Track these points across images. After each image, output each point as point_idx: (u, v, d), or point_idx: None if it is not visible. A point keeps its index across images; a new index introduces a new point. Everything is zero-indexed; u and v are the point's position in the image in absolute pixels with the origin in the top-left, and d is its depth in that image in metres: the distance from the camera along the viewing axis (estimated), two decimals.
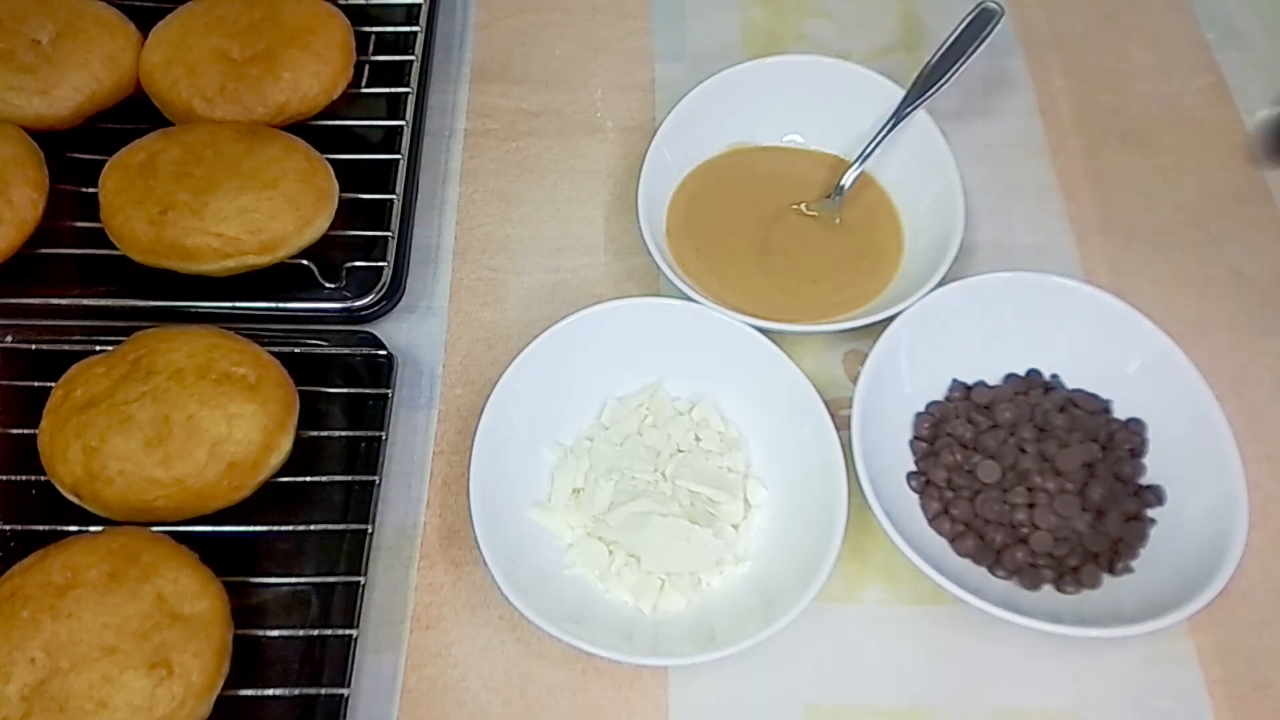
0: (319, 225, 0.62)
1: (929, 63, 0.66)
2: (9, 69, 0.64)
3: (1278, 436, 0.60)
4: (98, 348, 0.58)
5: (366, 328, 0.62)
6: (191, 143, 0.61)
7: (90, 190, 0.62)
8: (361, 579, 0.54)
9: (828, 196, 0.66)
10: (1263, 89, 0.73)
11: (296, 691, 0.51)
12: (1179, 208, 0.69)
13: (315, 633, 0.53)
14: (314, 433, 0.58)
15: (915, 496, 0.56)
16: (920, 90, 0.65)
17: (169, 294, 0.62)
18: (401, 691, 0.53)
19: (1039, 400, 0.58)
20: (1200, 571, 0.50)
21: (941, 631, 0.54)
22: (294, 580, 0.54)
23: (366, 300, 0.62)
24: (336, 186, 0.63)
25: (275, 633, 0.53)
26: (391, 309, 0.64)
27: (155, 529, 0.52)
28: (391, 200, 0.65)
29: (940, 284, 0.58)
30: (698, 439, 0.58)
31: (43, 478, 0.54)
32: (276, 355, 0.57)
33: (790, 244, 0.65)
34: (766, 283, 0.63)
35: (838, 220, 0.66)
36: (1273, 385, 0.62)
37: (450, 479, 0.59)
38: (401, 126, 0.68)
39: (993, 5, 0.66)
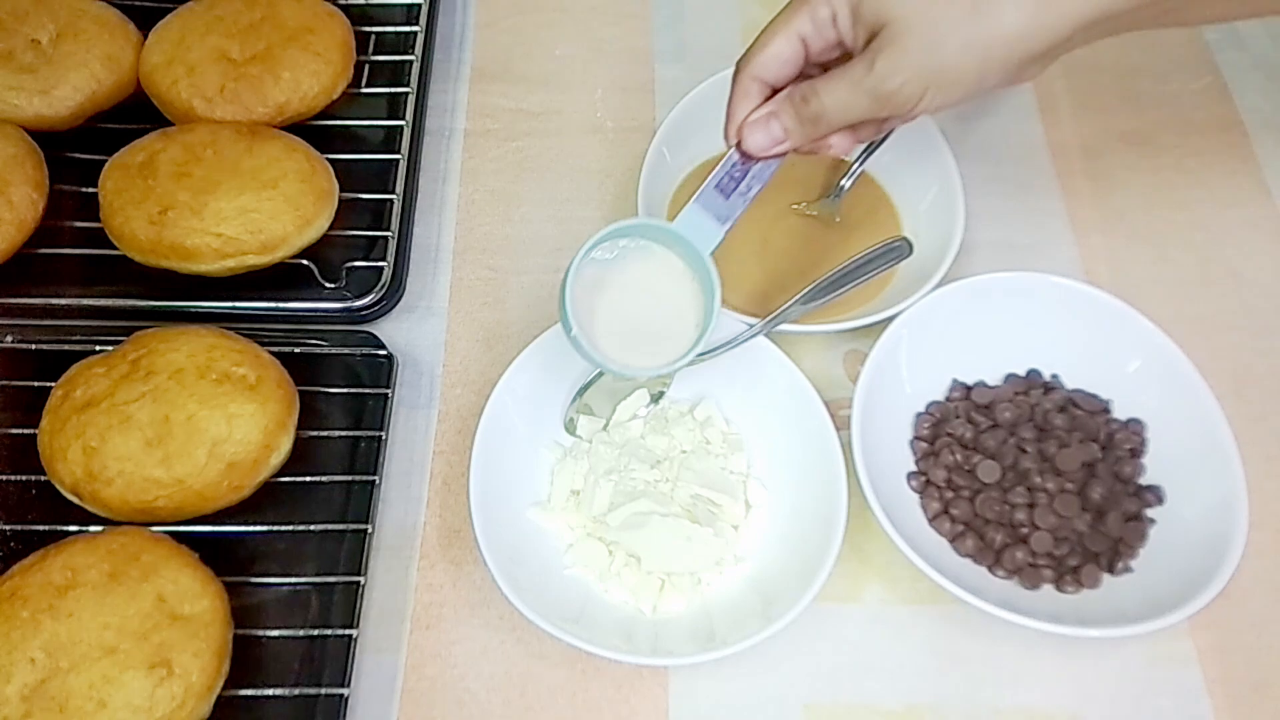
0: (319, 225, 0.62)
1: None
2: (9, 69, 0.64)
3: (1278, 436, 0.60)
4: (98, 348, 0.58)
5: (366, 328, 0.62)
6: (191, 143, 0.61)
7: (90, 190, 0.62)
8: (361, 579, 0.54)
9: (828, 196, 0.66)
10: (1263, 89, 0.73)
11: (296, 691, 0.51)
12: (1179, 208, 0.69)
13: (315, 633, 0.53)
14: (314, 433, 0.58)
15: (915, 496, 0.56)
16: None
17: (169, 294, 0.62)
18: (401, 691, 0.53)
19: (1039, 400, 0.58)
20: (1200, 571, 0.50)
21: (941, 631, 0.55)
22: (294, 580, 0.54)
23: (366, 300, 0.62)
24: (336, 186, 0.63)
25: (275, 633, 0.53)
26: (391, 309, 0.64)
27: (155, 529, 0.52)
28: (391, 200, 0.65)
29: (940, 284, 0.58)
30: (707, 441, 0.58)
31: (43, 478, 0.54)
32: (276, 355, 0.57)
33: (790, 244, 0.65)
34: (766, 282, 0.63)
35: (838, 220, 0.66)
36: (1273, 385, 0.62)
37: (450, 479, 0.59)
38: (401, 126, 0.68)
39: None
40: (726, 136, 0.52)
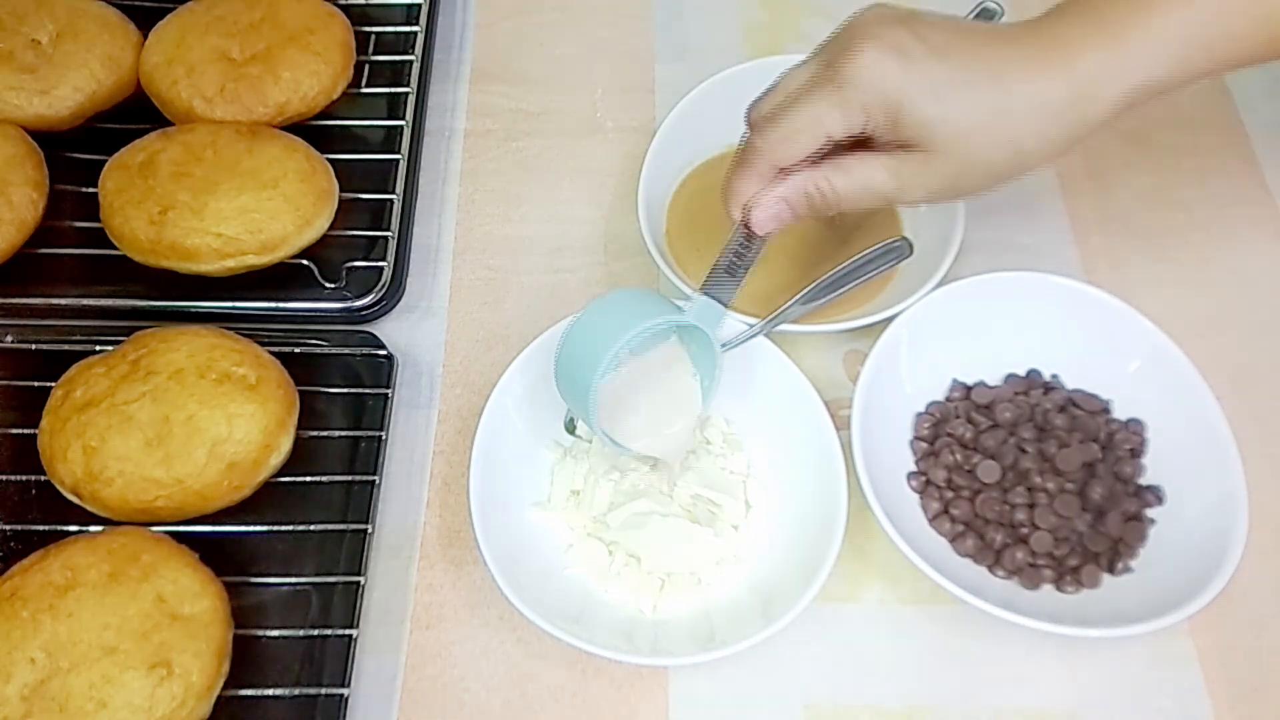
0: (319, 225, 0.62)
1: None
2: (9, 69, 0.64)
3: (1278, 436, 0.60)
4: (98, 348, 0.58)
5: (366, 328, 0.62)
6: (191, 143, 0.61)
7: (90, 190, 0.62)
8: (361, 579, 0.54)
9: None
10: (1263, 89, 0.73)
11: (296, 691, 0.51)
12: (1179, 208, 0.69)
13: (315, 633, 0.53)
14: (314, 433, 0.58)
15: (915, 496, 0.56)
16: None
17: (169, 294, 0.62)
18: (401, 691, 0.53)
19: (1039, 400, 0.58)
20: (1200, 571, 0.50)
21: (941, 631, 0.55)
22: (294, 580, 0.54)
23: (366, 300, 0.62)
24: (336, 186, 0.63)
25: (275, 633, 0.53)
26: (391, 309, 0.64)
27: (155, 529, 0.52)
28: (391, 200, 0.65)
29: (940, 284, 0.58)
30: (707, 441, 0.58)
31: (43, 478, 0.54)
32: (276, 355, 0.57)
33: (790, 244, 0.65)
34: (766, 283, 0.63)
35: (838, 220, 0.66)
36: (1273, 385, 0.62)
37: (450, 479, 0.59)
38: (401, 126, 0.68)
39: (993, 5, 0.66)
40: (731, 212, 0.53)
